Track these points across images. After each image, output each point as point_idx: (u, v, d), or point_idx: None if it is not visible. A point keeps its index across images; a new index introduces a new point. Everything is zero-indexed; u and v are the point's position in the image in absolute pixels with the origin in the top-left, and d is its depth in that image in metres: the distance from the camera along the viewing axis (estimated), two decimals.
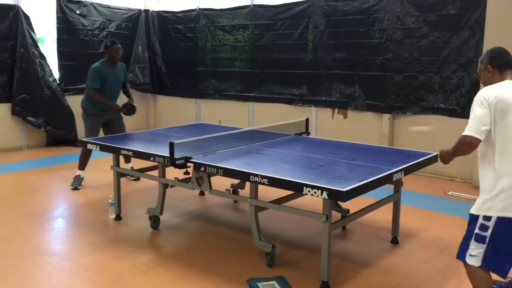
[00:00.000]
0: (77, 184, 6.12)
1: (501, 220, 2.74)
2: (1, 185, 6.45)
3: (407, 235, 4.56)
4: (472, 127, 2.79)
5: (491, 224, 2.75)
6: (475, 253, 2.80)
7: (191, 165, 3.98)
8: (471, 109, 2.87)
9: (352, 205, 4.04)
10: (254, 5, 8.59)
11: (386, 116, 7.25)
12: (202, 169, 3.88)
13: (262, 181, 3.48)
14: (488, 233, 2.75)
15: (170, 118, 9.97)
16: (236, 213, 5.33)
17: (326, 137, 5.96)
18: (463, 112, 6.52)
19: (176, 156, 3.92)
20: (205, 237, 4.60)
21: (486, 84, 2.99)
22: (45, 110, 8.46)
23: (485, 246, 2.76)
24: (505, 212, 2.73)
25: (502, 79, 2.93)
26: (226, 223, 5.03)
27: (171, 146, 3.88)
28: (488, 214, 2.77)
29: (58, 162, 7.66)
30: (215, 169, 3.78)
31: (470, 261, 2.81)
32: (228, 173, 3.74)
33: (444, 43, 6.64)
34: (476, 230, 2.80)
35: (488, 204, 2.78)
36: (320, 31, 7.80)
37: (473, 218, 2.84)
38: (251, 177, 3.54)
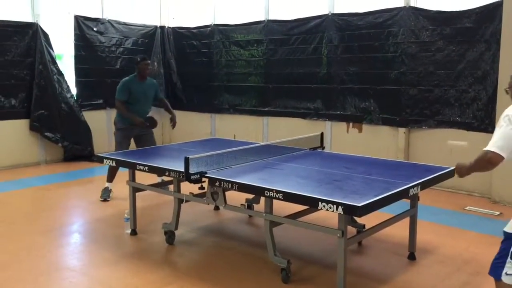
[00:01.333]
0: (106, 196, 6.27)
1: None
2: (19, 200, 6.52)
3: (425, 251, 4.49)
4: (496, 143, 2.68)
5: None
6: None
7: (206, 180, 3.99)
8: (497, 126, 2.75)
9: (368, 220, 4.00)
10: (268, 20, 8.65)
11: (402, 130, 7.21)
12: (217, 184, 3.88)
13: (277, 196, 3.48)
14: None
15: (185, 133, 10.01)
16: (251, 228, 5.31)
17: (341, 151, 5.93)
18: (480, 126, 6.46)
19: (191, 171, 3.93)
20: (220, 252, 4.58)
21: None
22: (62, 126, 8.58)
23: None
24: None
25: None
26: (241, 238, 5.01)
27: (186, 161, 3.89)
28: None
29: (75, 178, 7.74)
30: (230, 184, 3.78)
31: (506, 280, 2.71)
32: (243, 188, 3.74)
33: (459, 56, 6.60)
34: None
35: None
36: (334, 45, 7.81)
37: (508, 236, 2.74)
38: (266, 192, 3.54)
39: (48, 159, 8.70)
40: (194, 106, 10.03)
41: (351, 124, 7.80)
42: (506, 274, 2.70)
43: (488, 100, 6.36)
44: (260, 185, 3.63)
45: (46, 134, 8.50)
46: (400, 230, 4.50)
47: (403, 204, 4.10)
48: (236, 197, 4.59)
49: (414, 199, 4.23)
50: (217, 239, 4.96)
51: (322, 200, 3.22)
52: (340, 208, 3.13)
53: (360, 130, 7.70)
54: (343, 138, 7.86)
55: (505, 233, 2.76)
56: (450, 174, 4.24)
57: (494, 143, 2.69)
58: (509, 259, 2.69)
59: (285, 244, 4.54)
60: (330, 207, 3.17)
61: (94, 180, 7.71)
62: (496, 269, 2.76)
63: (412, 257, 4.33)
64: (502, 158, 2.67)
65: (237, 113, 9.29)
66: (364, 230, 4.33)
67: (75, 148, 8.76)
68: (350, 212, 3.17)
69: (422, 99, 6.97)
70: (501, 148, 2.66)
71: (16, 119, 8.28)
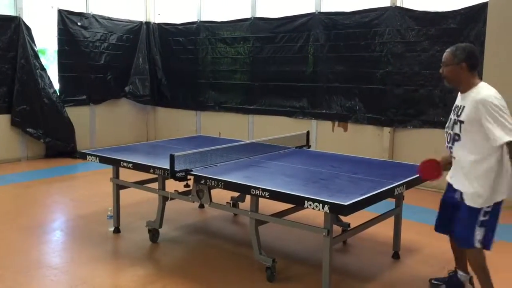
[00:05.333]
0: None
1: (495, 205, 3.17)
2: None
3: (409, 250, 4.51)
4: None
5: (490, 209, 3.16)
6: (480, 237, 3.17)
7: (191, 177, 3.95)
8: (493, 116, 2.99)
9: (353, 219, 4.00)
10: (255, 18, 8.62)
11: (387, 130, 7.24)
12: (203, 181, 3.84)
13: (263, 194, 3.45)
14: (487, 217, 3.16)
15: (170, 130, 9.95)
16: (236, 227, 5.28)
17: (326, 150, 5.93)
18: None
19: (176, 168, 3.89)
20: (204, 251, 4.55)
21: (450, 78, 3.22)
22: (44, 122, 8.43)
23: (484, 228, 3.17)
24: (498, 198, 3.16)
25: (471, 79, 3.16)
26: (226, 236, 4.98)
27: (172, 158, 3.85)
28: (489, 204, 3.15)
29: (57, 174, 7.61)
30: (215, 182, 3.75)
31: (478, 245, 3.18)
32: (228, 186, 3.71)
33: None
34: (481, 218, 3.15)
35: (489, 197, 3.14)
36: (320, 44, 7.81)
37: (476, 210, 3.16)
38: (252, 190, 3.51)
39: (29, 155, 8.55)
40: (179, 103, 9.96)
41: (336, 123, 7.82)
42: (478, 240, 3.18)
43: None
44: (246, 183, 3.60)
45: (28, 129, 8.35)
46: (385, 229, 4.50)
47: (388, 203, 4.11)
48: (221, 196, 4.56)
49: (399, 199, 4.24)
50: (202, 237, 4.92)
51: (309, 199, 3.20)
52: (326, 207, 3.12)
53: (346, 129, 7.72)
54: (329, 137, 7.88)
55: (471, 208, 3.18)
56: None
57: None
58: (477, 227, 3.16)
59: (271, 243, 4.52)
60: (317, 206, 3.15)
61: (76, 177, 7.61)
62: (467, 240, 3.21)
63: (396, 256, 4.34)
64: None
65: (222, 111, 9.24)
66: (349, 229, 4.33)
67: (57, 144, 8.62)
68: (337, 211, 3.16)
69: (407, 99, 7.01)
70: None
71: None
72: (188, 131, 9.32)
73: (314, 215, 3.64)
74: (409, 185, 3.84)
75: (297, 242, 4.67)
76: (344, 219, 4.41)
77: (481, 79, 3.28)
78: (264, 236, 4.06)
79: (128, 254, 4.40)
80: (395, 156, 7.22)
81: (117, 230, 4.89)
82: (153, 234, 4.62)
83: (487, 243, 3.20)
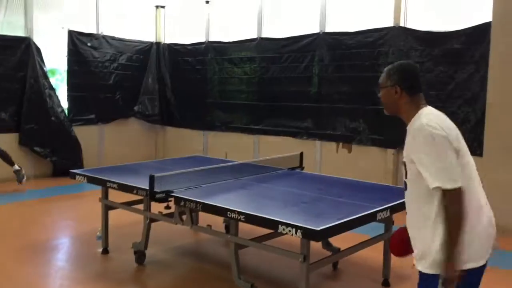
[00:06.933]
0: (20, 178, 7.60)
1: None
2: None
3: (400, 277, 4.32)
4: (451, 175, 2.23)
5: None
6: None
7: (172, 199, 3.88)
8: (425, 151, 2.28)
9: (343, 242, 3.87)
10: (261, 38, 8.61)
11: (391, 151, 7.08)
12: (182, 203, 3.78)
13: (239, 218, 3.37)
14: None
15: (178, 149, 9.93)
16: (226, 250, 5.16)
17: (330, 172, 5.80)
18: (470, 148, 6.29)
19: (157, 189, 3.83)
20: (190, 275, 4.46)
21: (387, 105, 2.56)
22: (51, 141, 8.53)
23: None
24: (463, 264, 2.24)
25: (413, 106, 2.45)
26: (213, 260, 4.87)
27: (151, 179, 3.80)
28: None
29: (60, 193, 7.64)
30: (194, 204, 3.68)
31: None
32: (206, 208, 3.63)
33: (449, 77, 6.49)
34: None
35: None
36: (325, 64, 7.74)
37: (426, 276, 2.34)
38: (228, 213, 3.43)
39: (37, 173, 8.62)
40: (187, 122, 9.97)
41: (340, 144, 7.68)
42: None
43: (477, 122, 6.21)
44: (222, 206, 3.51)
45: (35, 148, 8.45)
46: (379, 253, 4.33)
47: (380, 226, 3.96)
48: (214, 218, 4.48)
49: (388, 223, 4.09)
50: (189, 260, 4.84)
51: (282, 223, 3.10)
52: (299, 232, 3.01)
53: (350, 151, 7.58)
54: (333, 158, 7.74)
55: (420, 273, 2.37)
56: None
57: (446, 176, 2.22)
58: None
59: (255, 267, 4.40)
60: (290, 231, 3.05)
61: (78, 196, 7.61)
62: None
63: (386, 283, 4.17)
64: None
65: (229, 131, 9.20)
66: (331, 254, 4.17)
67: (64, 163, 8.66)
68: (310, 236, 3.05)
69: None
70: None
71: (6, 133, 8.20)
72: (195, 150, 9.27)
73: (298, 239, 3.52)
74: (395, 209, 3.69)
75: (283, 267, 4.52)
76: (334, 242, 4.28)
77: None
78: (249, 260, 3.95)
79: (113, 277, 4.34)
80: (400, 178, 7.03)
81: (105, 251, 4.84)
82: (139, 256, 4.55)
83: None
